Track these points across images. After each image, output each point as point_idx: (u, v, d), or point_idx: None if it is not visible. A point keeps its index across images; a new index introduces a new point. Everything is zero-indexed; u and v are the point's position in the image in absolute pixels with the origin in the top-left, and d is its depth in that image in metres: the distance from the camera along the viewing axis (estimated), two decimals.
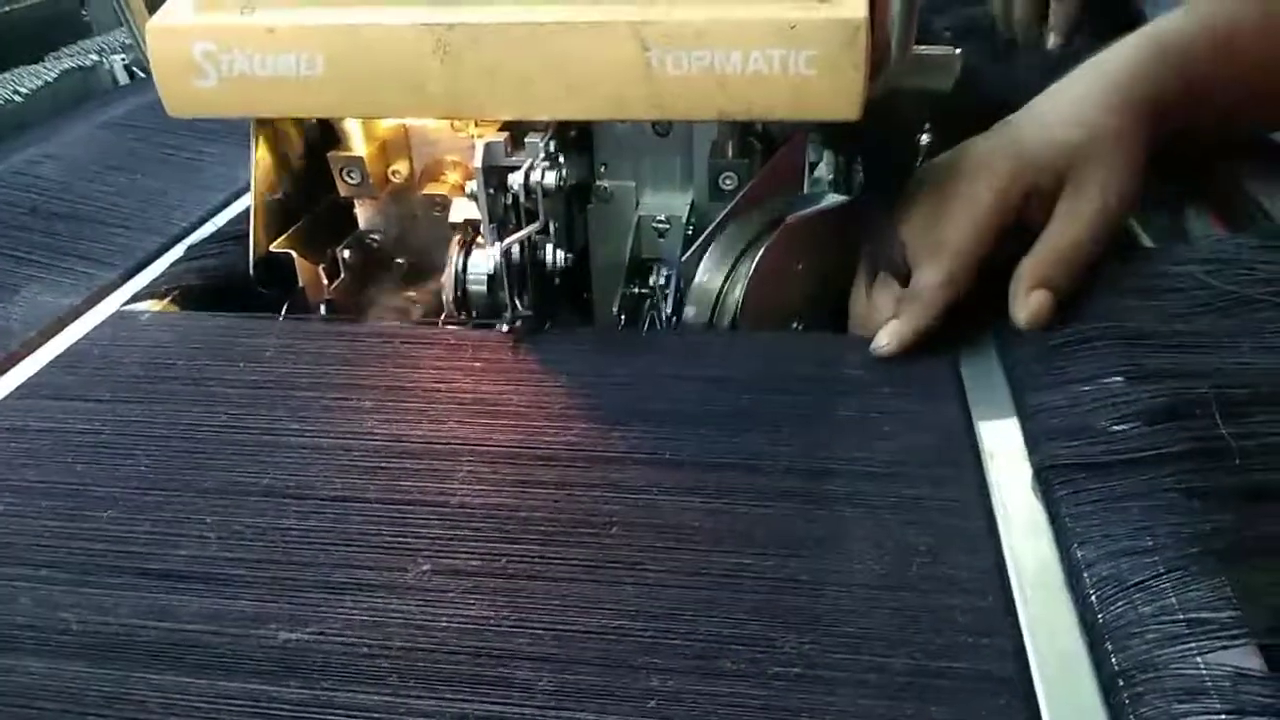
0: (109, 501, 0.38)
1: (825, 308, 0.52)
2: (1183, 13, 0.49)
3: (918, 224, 0.46)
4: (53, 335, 0.51)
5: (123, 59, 0.93)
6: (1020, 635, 0.31)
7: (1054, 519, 0.35)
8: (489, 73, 0.43)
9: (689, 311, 0.50)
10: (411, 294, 0.60)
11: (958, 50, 0.49)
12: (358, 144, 0.54)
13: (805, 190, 0.53)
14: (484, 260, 0.50)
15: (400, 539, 0.36)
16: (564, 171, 0.46)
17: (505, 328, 0.48)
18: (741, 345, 0.48)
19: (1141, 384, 0.37)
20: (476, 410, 0.42)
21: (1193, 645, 0.28)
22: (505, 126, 0.47)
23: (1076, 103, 0.46)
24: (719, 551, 0.35)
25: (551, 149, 0.46)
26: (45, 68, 0.87)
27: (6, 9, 0.92)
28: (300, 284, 0.55)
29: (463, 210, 0.51)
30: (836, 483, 0.37)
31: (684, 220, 0.52)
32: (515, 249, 0.46)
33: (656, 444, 0.40)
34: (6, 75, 0.85)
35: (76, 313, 0.53)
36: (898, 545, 0.35)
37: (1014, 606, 0.32)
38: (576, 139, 0.51)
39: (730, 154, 0.51)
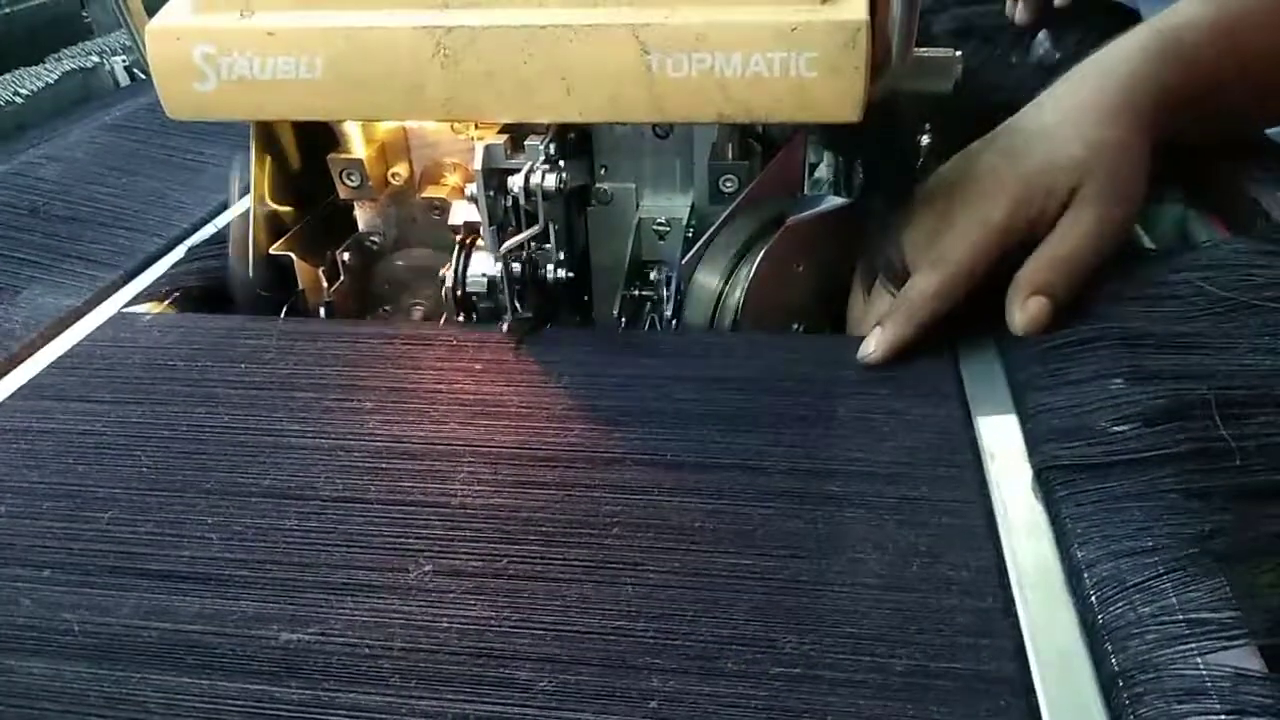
0: (110, 502, 0.38)
1: (826, 309, 0.53)
2: (1186, 5, 0.49)
3: (921, 234, 0.46)
4: (54, 337, 0.51)
5: (123, 60, 0.93)
6: (1020, 636, 0.31)
7: (1054, 519, 0.35)
8: (489, 75, 0.43)
9: (689, 313, 0.50)
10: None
11: (958, 52, 0.49)
12: (357, 146, 0.54)
13: (805, 192, 0.53)
14: (484, 263, 0.50)
15: (401, 540, 0.36)
16: (564, 174, 0.46)
17: (504, 328, 0.48)
18: (742, 346, 0.48)
19: (1141, 385, 0.37)
20: (477, 411, 0.43)
21: (1193, 646, 0.28)
22: (505, 129, 0.47)
23: (1077, 111, 0.46)
24: (719, 552, 0.35)
25: (551, 151, 0.46)
26: (46, 69, 0.87)
27: (7, 10, 0.93)
28: (300, 286, 0.55)
29: (463, 213, 0.51)
30: (837, 483, 0.38)
31: (684, 222, 0.53)
32: (515, 251, 0.46)
33: (657, 445, 0.40)
34: (7, 77, 0.85)
35: (78, 314, 0.54)
36: (898, 546, 0.35)
37: (1014, 607, 0.32)
38: (577, 141, 0.51)
39: (730, 156, 0.51)
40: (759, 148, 0.52)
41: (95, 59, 0.92)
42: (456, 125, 0.54)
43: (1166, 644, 0.29)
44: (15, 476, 0.40)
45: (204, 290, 0.56)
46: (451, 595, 0.34)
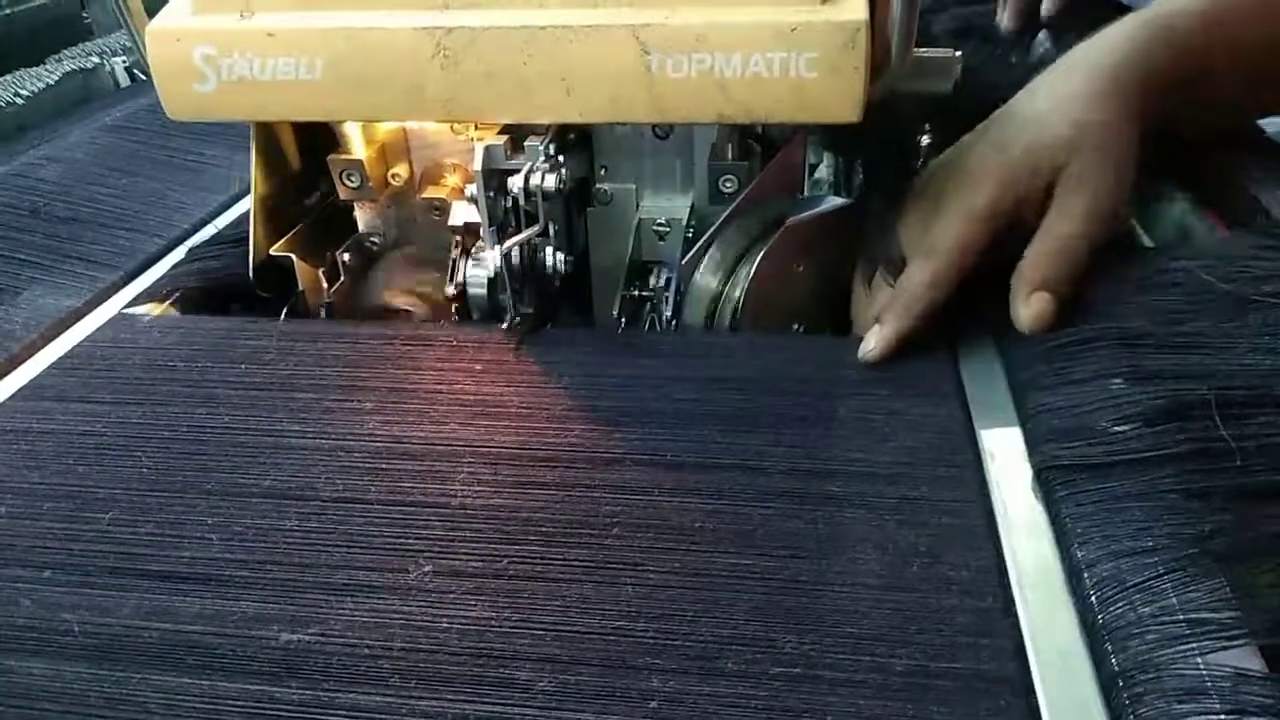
0: (110, 503, 0.38)
1: (826, 310, 0.53)
2: None
3: (914, 226, 0.47)
4: (54, 337, 0.51)
5: (124, 61, 0.93)
6: (1020, 635, 0.31)
7: (1054, 519, 0.35)
8: (488, 76, 0.43)
9: (689, 314, 0.50)
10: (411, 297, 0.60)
11: (957, 52, 0.49)
12: (357, 147, 0.54)
13: (805, 192, 0.53)
14: (484, 263, 0.50)
15: (401, 540, 0.36)
16: (564, 174, 0.46)
17: (505, 330, 0.48)
18: (742, 347, 0.48)
19: (1142, 385, 0.37)
20: (477, 412, 0.43)
21: (1193, 645, 0.28)
22: (505, 129, 0.47)
23: (1067, 99, 0.46)
24: (719, 552, 0.35)
25: (551, 152, 0.46)
26: (46, 70, 0.88)
27: (7, 11, 0.93)
28: (300, 287, 0.55)
29: (462, 213, 0.51)
30: (837, 483, 0.38)
31: (684, 223, 0.53)
32: (515, 252, 0.46)
33: (657, 445, 0.40)
34: (8, 77, 0.85)
35: (78, 315, 0.54)
36: (898, 546, 0.35)
37: (1014, 607, 0.32)
38: (576, 142, 0.51)
39: (730, 156, 0.51)
40: (759, 148, 0.52)
41: (96, 60, 0.92)
42: (456, 126, 0.54)
43: (1167, 644, 0.29)
44: (16, 477, 0.40)
45: (204, 291, 0.56)
46: (451, 595, 0.34)
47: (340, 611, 0.33)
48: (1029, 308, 0.43)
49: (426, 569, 0.35)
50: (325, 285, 0.56)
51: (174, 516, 0.38)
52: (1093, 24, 0.50)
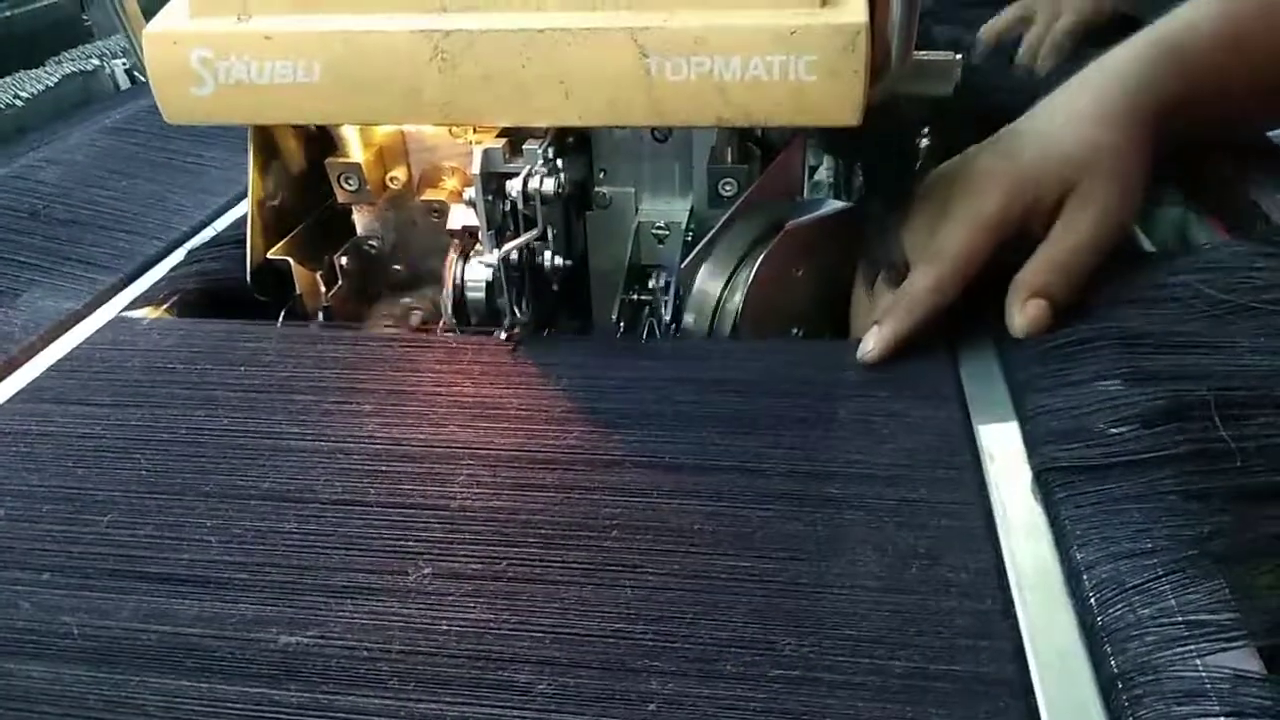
0: (109, 505, 0.38)
1: (825, 313, 0.53)
2: (1191, 7, 0.49)
3: (919, 231, 0.47)
4: (53, 339, 0.51)
5: (124, 63, 0.93)
6: (1019, 638, 0.31)
7: (1053, 521, 0.35)
8: (487, 79, 0.43)
9: (688, 318, 0.50)
10: (410, 301, 0.60)
11: (958, 55, 0.49)
12: (355, 150, 0.54)
13: (805, 195, 0.53)
14: (482, 267, 0.50)
15: (400, 542, 0.36)
16: (563, 178, 0.46)
17: (504, 335, 0.48)
18: (741, 350, 0.48)
19: (1141, 386, 0.37)
20: (476, 414, 0.43)
21: (1192, 647, 0.28)
22: (504, 133, 0.47)
23: (1078, 117, 0.46)
24: (718, 554, 0.35)
25: (550, 155, 0.46)
26: (46, 72, 0.88)
27: (7, 13, 0.93)
28: (298, 291, 0.55)
29: (461, 217, 0.51)
30: (836, 485, 0.38)
31: (683, 226, 0.53)
32: (514, 256, 0.46)
33: (656, 447, 0.40)
34: (7, 80, 0.85)
35: (77, 317, 0.54)
36: (897, 548, 0.35)
37: (1013, 609, 0.32)
38: (575, 145, 0.51)
39: (729, 160, 0.51)
40: (758, 151, 0.52)
41: (95, 62, 0.92)
42: (455, 129, 0.54)
43: (1166, 646, 0.29)
44: (14, 479, 0.40)
45: (203, 293, 0.56)
46: (451, 598, 0.34)
47: (339, 614, 0.33)
48: (1025, 314, 0.43)
49: (426, 571, 0.35)
50: (323, 289, 0.56)
51: (173, 519, 0.38)
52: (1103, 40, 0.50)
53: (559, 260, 0.48)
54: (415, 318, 0.59)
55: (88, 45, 0.97)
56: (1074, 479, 0.35)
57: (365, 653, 0.32)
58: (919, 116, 0.53)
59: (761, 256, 0.49)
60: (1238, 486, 0.33)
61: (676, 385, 0.44)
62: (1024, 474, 0.37)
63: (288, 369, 0.46)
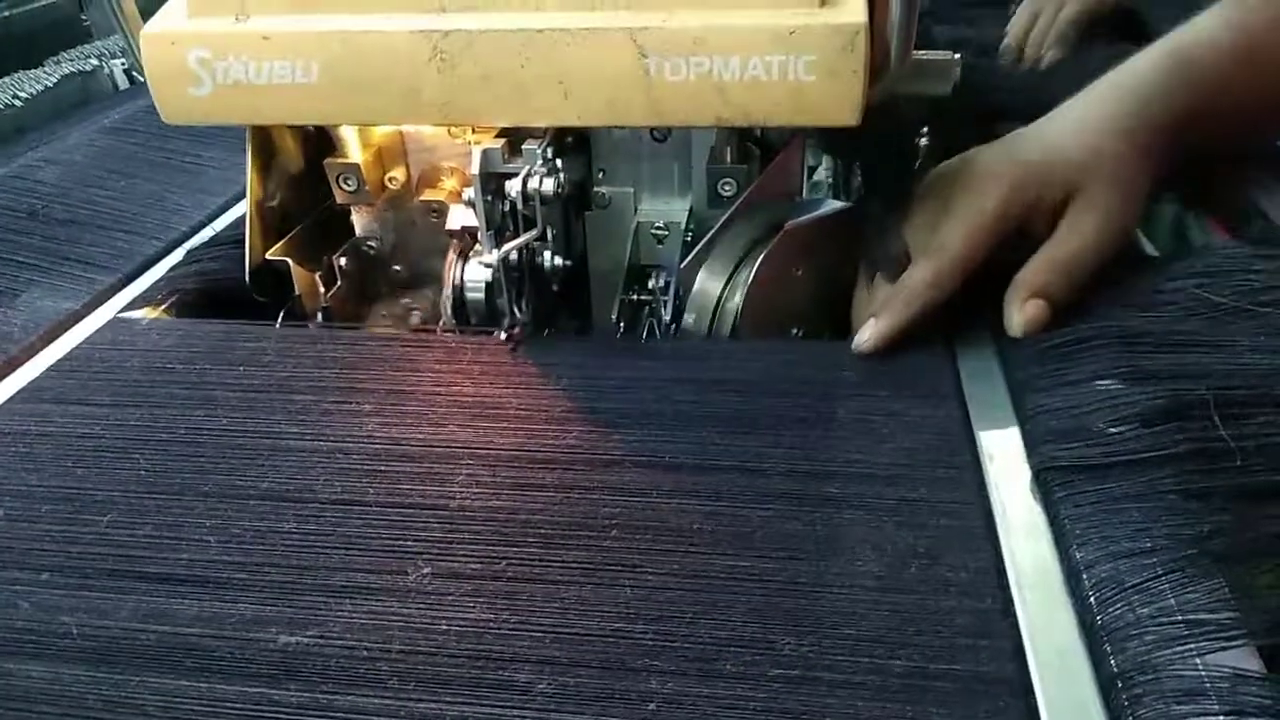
0: (109, 505, 0.38)
1: (825, 314, 0.53)
2: (1205, 19, 0.49)
3: (920, 228, 0.47)
4: (52, 340, 0.51)
5: (122, 64, 0.93)
6: (1019, 637, 0.31)
7: (1053, 521, 0.35)
8: (486, 79, 0.43)
9: (688, 318, 0.50)
10: (409, 301, 0.60)
11: (957, 55, 0.49)
12: (354, 151, 0.54)
13: (804, 195, 0.53)
14: (482, 268, 0.50)
15: (400, 542, 0.36)
16: (562, 178, 0.46)
17: (503, 335, 0.48)
18: (741, 350, 0.48)
19: (1140, 385, 0.37)
20: (476, 414, 0.43)
21: (1191, 647, 0.28)
22: (503, 133, 0.47)
23: (1086, 124, 0.46)
24: (718, 554, 0.35)
25: (549, 155, 0.46)
26: (45, 72, 0.88)
27: (6, 14, 0.93)
28: (296, 292, 0.55)
29: (460, 217, 0.51)
30: (835, 485, 0.38)
31: (682, 226, 0.53)
32: (513, 256, 0.46)
33: (655, 447, 0.40)
34: (6, 80, 0.85)
35: (76, 317, 0.54)
36: (896, 547, 0.35)
37: (1013, 608, 0.32)
38: (574, 145, 0.51)
39: (729, 160, 0.51)
40: (757, 151, 0.52)
41: (94, 62, 0.92)
42: (454, 129, 0.54)
43: (1165, 645, 0.29)
44: (14, 479, 0.40)
45: (202, 293, 0.56)
46: (450, 597, 0.34)
47: (339, 613, 0.33)
48: (1023, 313, 0.43)
49: (425, 571, 0.35)
50: (322, 289, 0.56)
51: (172, 519, 0.38)
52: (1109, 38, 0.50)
53: (559, 260, 0.48)
54: (414, 318, 0.59)
55: (86, 45, 0.97)
56: (1073, 478, 0.36)
57: (365, 652, 0.32)
58: (918, 116, 0.53)
59: (761, 256, 0.49)
60: (1237, 486, 0.33)
61: (676, 385, 0.44)
62: (1023, 473, 0.38)
63: (287, 369, 0.46)
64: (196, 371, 0.46)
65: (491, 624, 0.32)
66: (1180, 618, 0.29)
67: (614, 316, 0.52)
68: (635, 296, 0.53)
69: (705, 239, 0.50)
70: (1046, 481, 0.36)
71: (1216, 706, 0.27)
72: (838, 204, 0.52)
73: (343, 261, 0.57)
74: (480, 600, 0.33)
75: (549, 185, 0.45)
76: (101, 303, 0.55)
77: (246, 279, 0.54)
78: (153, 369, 0.47)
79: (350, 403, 0.44)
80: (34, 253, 0.59)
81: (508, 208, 0.46)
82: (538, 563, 0.35)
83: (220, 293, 0.56)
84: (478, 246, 0.50)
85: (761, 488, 0.38)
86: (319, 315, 0.55)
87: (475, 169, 0.45)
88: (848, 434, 0.40)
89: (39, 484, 0.40)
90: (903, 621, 0.32)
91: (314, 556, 0.35)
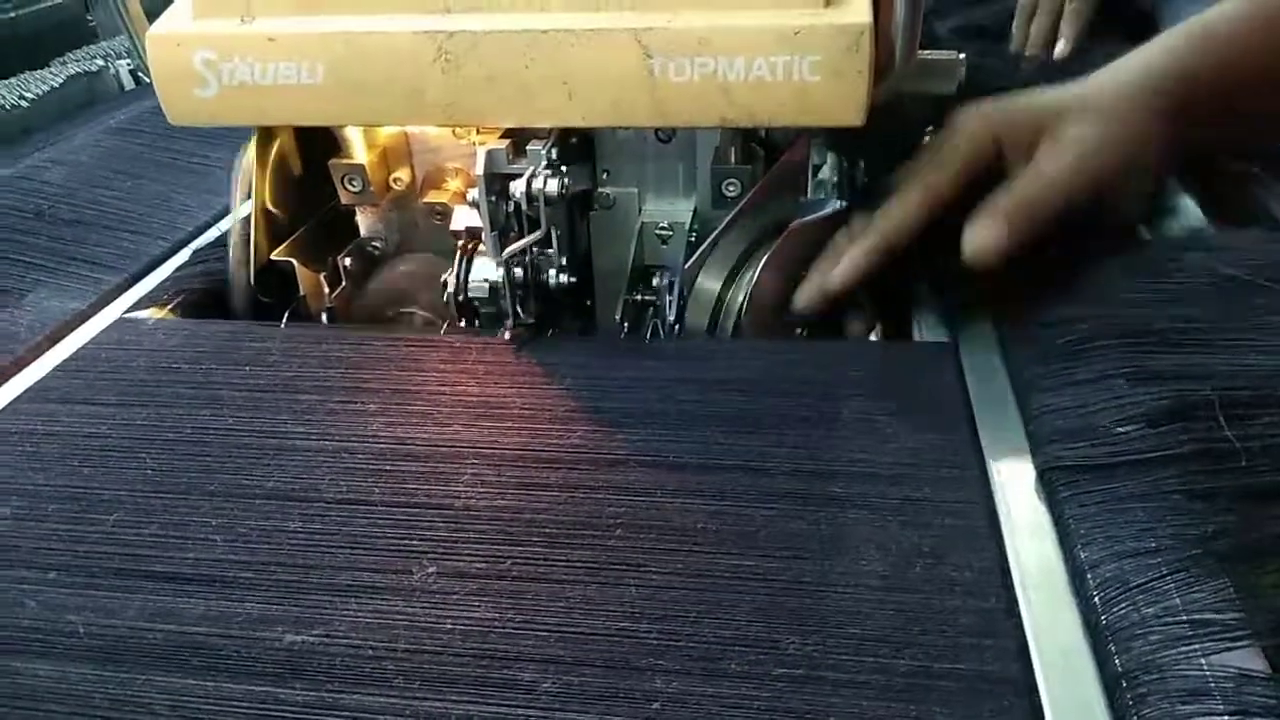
0: (115, 504, 0.39)
1: (829, 314, 0.53)
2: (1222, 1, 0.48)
3: (907, 173, 0.47)
4: (59, 340, 0.52)
5: (128, 64, 0.93)
6: (1024, 636, 0.31)
7: (1057, 520, 0.35)
8: (490, 80, 0.43)
9: (692, 318, 0.50)
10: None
11: (961, 55, 0.49)
12: (359, 152, 0.54)
13: (808, 195, 0.53)
14: (486, 268, 0.50)
15: (405, 541, 0.36)
16: (566, 179, 0.46)
17: (507, 335, 0.48)
18: (744, 349, 0.48)
19: (1145, 385, 0.37)
20: (481, 413, 0.43)
21: (1196, 647, 0.28)
22: (507, 134, 0.48)
23: (1084, 83, 0.46)
24: (722, 553, 0.35)
25: (553, 156, 0.46)
26: (51, 73, 0.88)
27: (12, 14, 0.93)
28: (302, 292, 0.55)
29: (464, 218, 0.51)
30: (839, 484, 0.38)
31: (687, 227, 0.53)
32: (517, 256, 0.47)
33: (660, 446, 0.40)
34: (12, 80, 0.85)
35: (83, 317, 0.54)
36: (901, 547, 0.35)
37: (1017, 608, 0.32)
38: (579, 146, 0.51)
39: (733, 160, 0.51)
40: (762, 152, 0.52)
41: (100, 62, 0.92)
42: (458, 130, 0.54)
43: (1170, 645, 0.29)
44: (21, 479, 0.40)
45: (208, 293, 0.56)
46: (455, 597, 0.34)
47: (344, 612, 0.33)
48: (978, 232, 0.43)
49: (430, 570, 0.35)
50: (327, 290, 0.56)
51: (178, 518, 0.38)
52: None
53: (562, 261, 0.48)
54: (419, 319, 0.59)
55: (92, 46, 0.97)
56: (1078, 478, 0.35)
57: (370, 651, 0.32)
58: (923, 115, 0.53)
59: (765, 257, 0.49)
60: (1242, 486, 0.33)
61: (680, 385, 0.44)
62: (1028, 473, 0.37)
63: (292, 369, 0.46)
64: (202, 371, 0.47)
65: (496, 623, 0.33)
66: (1185, 618, 0.29)
67: (618, 316, 0.52)
68: (639, 297, 0.53)
69: (709, 239, 0.50)
70: (1051, 481, 0.36)
71: (1221, 707, 0.27)
72: (842, 204, 0.52)
73: (347, 262, 0.57)
74: (485, 599, 0.33)
75: (553, 186, 0.45)
76: (108, 303, 0.55)
77: (251, 280, 0.54)
78: (159, 369, 0.47)
79: (355, 402, 0.44)
80: (40, 253, 0.60)
81: (512, 209, 0.46)
82: (542, 562, 0.35)
83: (226, 293, 0.56)
84: (482, 248, 0.51)
85: (765, 487, 0.38)
86: (323, 316, 0.55)
87: (479, 170, 0.45)
88: (852, 433, 0.40)
89: (46, 483, 0.40)
90: (907, 621, 0.32)
91: (320, 556, 0.36)
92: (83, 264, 0.59)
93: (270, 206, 0.55)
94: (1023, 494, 0.37)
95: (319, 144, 0.56)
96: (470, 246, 0.51)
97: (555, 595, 0.33)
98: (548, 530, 0.36)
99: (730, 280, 0.50)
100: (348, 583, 0.34)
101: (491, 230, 0.47)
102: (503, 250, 0.46)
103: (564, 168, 0.47)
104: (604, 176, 0.54)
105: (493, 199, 0.46)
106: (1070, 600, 0.32)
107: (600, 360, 0.46)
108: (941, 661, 0.30)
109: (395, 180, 0.56)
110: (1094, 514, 0.34)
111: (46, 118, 0.83)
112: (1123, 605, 0.30)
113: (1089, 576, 0.32)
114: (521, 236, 0.46)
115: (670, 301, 0.51)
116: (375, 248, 0.59)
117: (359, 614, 0.33)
